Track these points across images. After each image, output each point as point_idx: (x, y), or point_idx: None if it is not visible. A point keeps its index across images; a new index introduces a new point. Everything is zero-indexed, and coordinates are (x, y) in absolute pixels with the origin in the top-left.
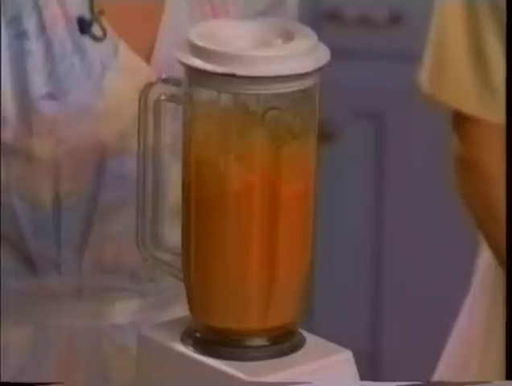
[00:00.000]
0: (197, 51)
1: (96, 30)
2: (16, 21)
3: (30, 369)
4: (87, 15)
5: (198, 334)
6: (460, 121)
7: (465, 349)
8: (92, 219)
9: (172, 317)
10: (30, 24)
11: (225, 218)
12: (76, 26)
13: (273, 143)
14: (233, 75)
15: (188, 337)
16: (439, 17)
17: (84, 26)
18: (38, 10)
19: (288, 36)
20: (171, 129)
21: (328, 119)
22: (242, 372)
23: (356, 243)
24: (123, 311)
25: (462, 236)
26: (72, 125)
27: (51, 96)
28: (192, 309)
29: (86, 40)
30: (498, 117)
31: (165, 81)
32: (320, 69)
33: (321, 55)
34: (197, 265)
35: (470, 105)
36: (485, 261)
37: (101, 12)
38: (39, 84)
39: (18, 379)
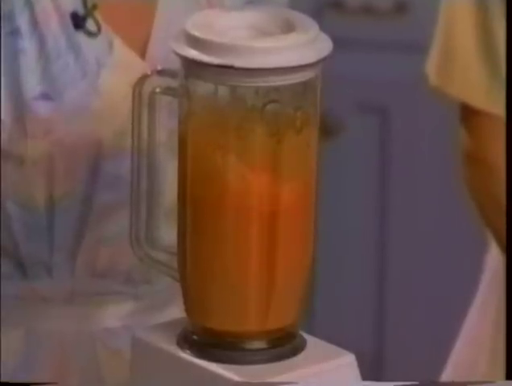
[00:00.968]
0: (193, 41)
1: (90, 25)
2: (9, 18)
3: (22, 374)
4: (80, 10)
5: (195, 337)
6: (469, 114)
7: (474, 348)
8: (86, 221)
9: (168, 319)
10: (23, 21)
11: (223, 216)
12: (69, 22)
13: (272, 138)
14: (230, 67)
15: (184, 339)
16: (446, 7)
17: (78, 21)
18: (30, 5)
19: (288, 26)
20: (166, 126)
21: (330, 113)
22: (241, 376)
23: (359, 241)
24: (116, 314)
25: (470, 232)
26: (68, 125)
27: (45, 96)
28: (188, 310)
29: (80, 36)
30: None
31: (160, 73)
32: (321, 60)
33: (323, 46)
34: (194, 265)
35: (479, 98)
36: (494, 259)
37: (95, 7)
38: (32, 83)
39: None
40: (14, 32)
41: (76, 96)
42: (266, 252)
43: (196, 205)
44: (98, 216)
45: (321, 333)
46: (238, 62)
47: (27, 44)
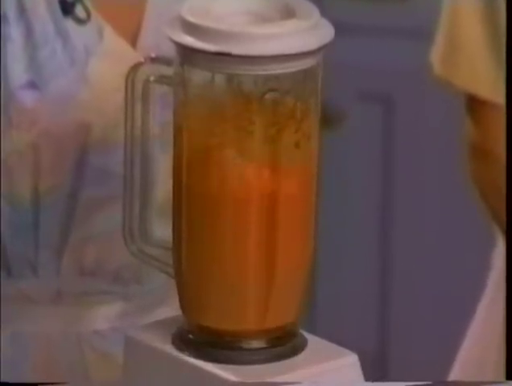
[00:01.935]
0: (189, 27)
1: (79, 11)
2: None
3: (7, 375)
4: None
5: (190, 336)
6: (475, 104)
7: (482, 348)
8: (73, 216)
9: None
10: (10, 7)
11: (221, 208)
12: (57, 8)
13: (272, 128)
14: (227, 55)
15: (180, 338)
16: None
17: (66, 7)
18: None
19: (288, 12)
20: (161, 120)
21: (332, 102)
22: (239, 376)
23: (362, 237)
24: (105, 315)
25: (476, 227)
26: (54, 115)
27: (31, 85)
28: (183, 308)
29: (69, 23)
30: None
31: (154, 60)
32: (322, 47)
33: (324, 32)
34: (190, 261)
35: (485, 88)
36: (502, 256)
37: None
38: (18, 71)
39: None
40: (1, 19)
41: (64, 85)
42: (265, 247)
43: (192, 198)
44: (85, 212)
45: (322, 331)
46: (236, 49)
47: (14, 31)
